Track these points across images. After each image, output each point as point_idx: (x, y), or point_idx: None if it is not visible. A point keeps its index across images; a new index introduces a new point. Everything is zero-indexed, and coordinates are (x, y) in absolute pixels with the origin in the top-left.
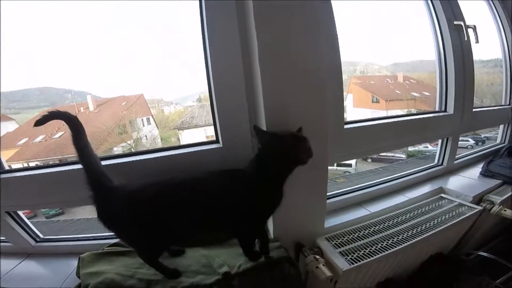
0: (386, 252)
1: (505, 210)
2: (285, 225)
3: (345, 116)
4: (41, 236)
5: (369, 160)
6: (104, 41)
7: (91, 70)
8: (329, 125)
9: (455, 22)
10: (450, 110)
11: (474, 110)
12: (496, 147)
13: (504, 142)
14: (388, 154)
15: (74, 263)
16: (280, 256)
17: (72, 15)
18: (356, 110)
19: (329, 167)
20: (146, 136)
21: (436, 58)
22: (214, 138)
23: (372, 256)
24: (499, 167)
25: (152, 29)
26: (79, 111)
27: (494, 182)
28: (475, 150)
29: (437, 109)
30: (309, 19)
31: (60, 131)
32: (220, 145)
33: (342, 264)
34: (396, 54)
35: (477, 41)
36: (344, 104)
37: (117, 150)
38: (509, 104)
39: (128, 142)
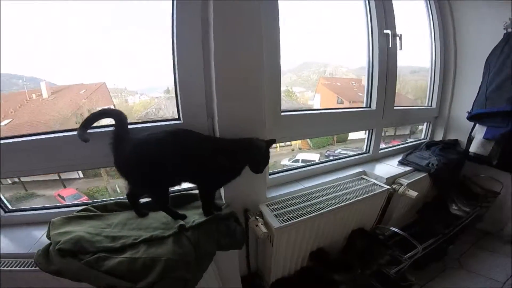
0: (309, 215)
1: (408, 191)
2: (234, 194)
3: None
4: (10, 207)
5: (331, 158)
6: (64, 24)
7: (46, 56)
8: (268, 112)
9: (384, 31)
10: (373, 106)
11: (396, 108)
12: (418, 141)
13: (426, 138)
14: (348, 152)
15: (42, 231)
16: (227, 213)
17: None
18: None
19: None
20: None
21: (366, 61)
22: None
23: (299, 218)
24: (415, 157)
25: (121, 18)
26: (31, 98)
27: (408, 169)
28: (401, 143)
29: (364, 105)
30: (254, 25)
31: (7, 118)
32: (181, 121)
33: (275, 223)
34: (363, 58)
35: (400, 48)
36: (311, 103)
37: None
38: (430, 105)
39: None
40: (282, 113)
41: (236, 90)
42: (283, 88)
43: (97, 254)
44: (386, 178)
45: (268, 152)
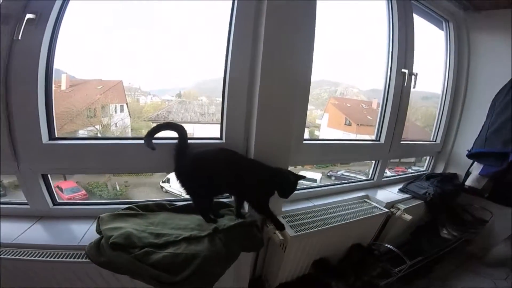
0: (319, 228)
1: (404, 215)
2: None
3: (318, 133)
4: (57, 200)
5: (333, 178)
6: (88, 23)
7: (70, 50)
8: (294, 140)
9: (402, 70)
10: (382, 140)
11: (403, 142)
12: (420, 173)
13: (427, 170)
14: (351, 174)
15: (88, 225)
16: (251, 221)
17: None
18: (329, 130)
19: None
20: (116, 124)
21: (381, 96)
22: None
23: (311, 230)
24: (414, 186)
25: (143, 23)
26: None
27: (407, 196)
28: (403, 173)
29: (374, 138)
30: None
31: None
32: (223, 141)
33: (291, 232)
34: (375, 80)
35: (414, 87)
36: (319, 122)
37: (83, 133)
38: (435, 141)
39: (96, 126)
40: (304, 141)
41: (272, 117)
42: None
43: (144, 248)
44: (386, 203)
45: (296, 185)
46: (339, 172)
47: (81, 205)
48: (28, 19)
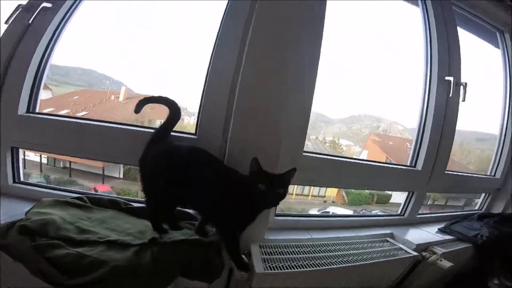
0: (305, 269)
1: (441, 260)
2: None
3: None
4: (22, 179)
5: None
6: (157, 42)
7: (134, 64)
8: (288, 149)
9: (446, 78)
10: (419, 166)
11: (448, 172)
12: (470, 212)
13: (481, 210)
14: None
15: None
16: (209, 241)
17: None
18: None
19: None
20: None
21: (419, 111)
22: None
23: (291, 269)
24: (461, 227)
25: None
26: (109, 98)
27: (448, 238)
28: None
29: (408, 163)
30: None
31: (85, 110)
32: (196, 137)
33: (258, 267)
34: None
35: (463, 100)
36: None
37: None
38: (494, 175)
39: None
40: (305, 153)
41: (254, 115)
42: (329, 138)
43: (53, 240)
44: (417, 244)
45: (269, 196)
46: (373, 212)
47: (43, 187)
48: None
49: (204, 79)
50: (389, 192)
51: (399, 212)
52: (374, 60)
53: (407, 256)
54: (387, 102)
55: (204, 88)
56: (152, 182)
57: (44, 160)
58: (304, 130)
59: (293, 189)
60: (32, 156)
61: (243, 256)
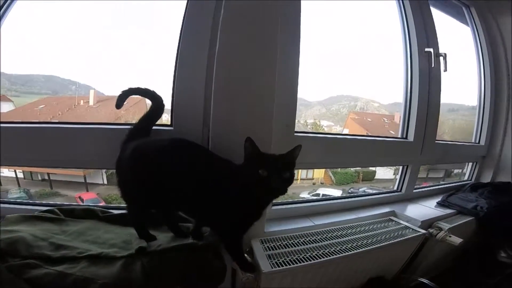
0: (314, 261)
1: (450, 236)
2: None
3: None
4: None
5: None
6: (119, 40)
7: (99, 66)
8: (278, 131)
9: (426, 49)
10: (411, 137)
11: (438, 142)
12: (461, 183)
13: (470, 180)
14: (374, 191)
15: None
16: (205, 243)
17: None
18: None
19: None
20: None
21: (403, 84)
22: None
23: (299, 263)
24: (458, 199)
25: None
26: (79, 104)
27: (449, 211)
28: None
29: (399, 135)
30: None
31: (54, 119)
32: (172, 128)
33: (265, 266)
34: (397, 93)
35: (445, 70)
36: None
37: None
38: (478, 142)
39: None
40: (296, 134)
41: (238, 93)
42: (310, 120)
43: (27, 260)
44: (422, 221)
45: (271, 181)
46: (361, 189)
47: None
48: None
49: (174, 62)
50: (373, 169)
51: (396, 188)
52: (348, 41)
53: (416, 234)
54: (362, 81)
55: (175, 71)
56: (131, 183)
57: (20, 175)
58: (293, 108)
59: None
60: (6, 172)
61: (246, 255)
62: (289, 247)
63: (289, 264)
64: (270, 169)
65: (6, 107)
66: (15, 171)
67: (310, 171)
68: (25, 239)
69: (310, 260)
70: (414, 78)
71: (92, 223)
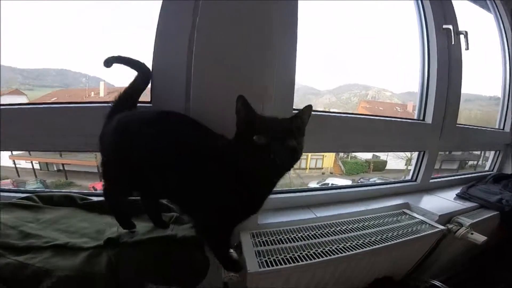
0: (311, 261)
1: (472, 233)
2: None
3: None
4: None
5: None
6: (130, 32)
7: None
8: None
9: (444, 26)
10: (429, 119)
11: (460, 125)
12: (482, 173)
13: (492, 170)
14: (378, 181)
15: None
16: (187, 236)
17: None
18: None
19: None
20: None
21: (420, 62)
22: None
23: (294, 262)
24: (479, 191)
25: None
26: (89, 95)
27: (470, 205)
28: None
29: (416, 116)
30: None
31: None
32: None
33: (252, 264)
34: (410, 82)
35: (467, 48)
36: None
37: None
38: (503, 129)
39: None
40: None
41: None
42: (320, 109)
43: None
44: (439, 215)
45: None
46: (371, 180)
47: None
48: None
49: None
50: (384, 159)
51: (411, 177)
52: (358, 27)
53: (434, 231)
54: (374, 70)
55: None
56: (112, 160)
57: (37, 166)
58: (291, 79)
59: None
60: (23, 163)
61: (232, 251)
62: (284, 243)
63: (282, 264)
64: (270, 136)
65: (20, 100)
66: (31, 162)
67: (319, 160)
68: None
69: (307, 260)
70: (432, 56)
71: (70, 211)
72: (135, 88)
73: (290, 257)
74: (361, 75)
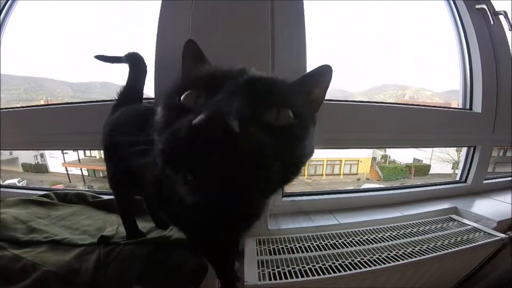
0: (323, 276)
1: None
2: None
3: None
4: None
5: None
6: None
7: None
8: None
9: (477, 6)
10: (477, 108)
11: None
12: None
13: None
14: None
15: None
16: (181, 238)
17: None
18: None
19: None
20: None
21: (458, 49)
22: None
23: (303, 276)
24: None
25: None
26: None
27: None
28: None
29: (460, 105)
30: None
31: None
32: None
33: (251, 275)
34: (453, 80)
35: (510, 28)
36: None
37: None
38: None
39: None
40: None
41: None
42: None
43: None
44: (498, 222)
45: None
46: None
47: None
48: None
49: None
50: (427, 163)
51: (459, 178)
52: (390, 24)
53: (491, 240)
54: (410, 68)
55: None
56: (108, 161)
57: (85, 173)
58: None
59: (322, 169)
60: (74, 170)
61: (237, 263)
62: (296, 252)
63: (288, 277)
64: (205, 95)
65: None
66: (81, 169)
67: (354, 165)
68: (5, 220)
69: (320, 274)
70: (471, 39)
71: (80, 208)
72: (136, 79)
73: (299, 269)
74: (396, 74)
